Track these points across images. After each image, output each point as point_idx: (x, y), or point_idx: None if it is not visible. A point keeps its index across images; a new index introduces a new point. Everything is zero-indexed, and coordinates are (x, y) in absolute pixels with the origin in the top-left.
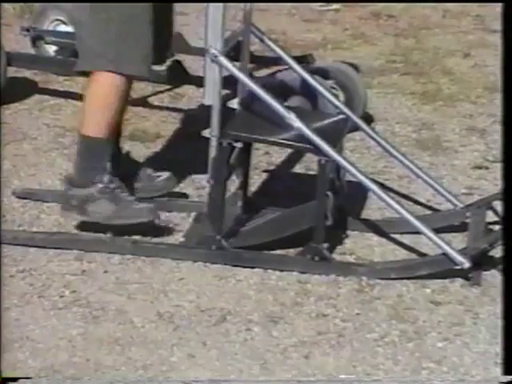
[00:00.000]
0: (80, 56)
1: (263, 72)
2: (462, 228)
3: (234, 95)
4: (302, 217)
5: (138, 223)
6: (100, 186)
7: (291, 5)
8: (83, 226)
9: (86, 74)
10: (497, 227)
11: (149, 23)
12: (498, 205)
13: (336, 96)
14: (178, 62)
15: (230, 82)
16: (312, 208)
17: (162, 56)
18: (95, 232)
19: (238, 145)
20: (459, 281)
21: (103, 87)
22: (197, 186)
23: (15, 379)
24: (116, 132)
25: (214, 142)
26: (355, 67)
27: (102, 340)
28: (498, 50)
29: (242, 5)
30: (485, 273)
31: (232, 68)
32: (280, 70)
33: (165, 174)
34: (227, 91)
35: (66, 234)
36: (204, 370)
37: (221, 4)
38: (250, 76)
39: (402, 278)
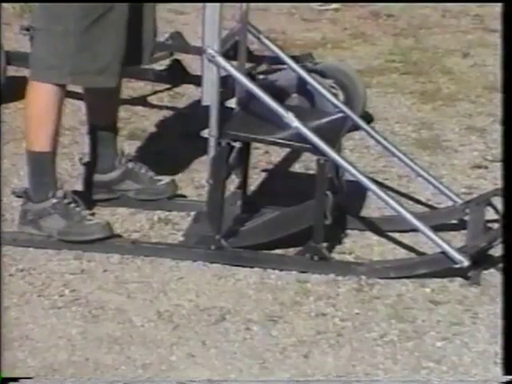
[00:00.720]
0: (32, 65)
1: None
2: (461, 226)
3: (233, 95)
4: (302, 216)
5: (90, 240)
6: (53, 201)
7: (291, 4)
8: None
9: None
10: (496, 225)
11: (113, 28)
12: (498, 201)
13: (335, 95)
14: (178, 62)
15: (228, 81)
16: (311, 207)
17: (141, 56)
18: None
19: (237, 144)
20: (458, 280)
21: (40, 101)
22: (196, 186)
23: (16, 379)
24: (114, 131)
25: (212, 142)
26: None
27: (101, 339)
28: (497, 49)
29: (239, 4)
30: (484, 272)
31: (229, 68)
32: (279, 70)
33: (166, 179)
34: (225, 91)
35: None
36: (203, 370)
37: (217, 4)
38: (250, 75)
39: (402, 277)
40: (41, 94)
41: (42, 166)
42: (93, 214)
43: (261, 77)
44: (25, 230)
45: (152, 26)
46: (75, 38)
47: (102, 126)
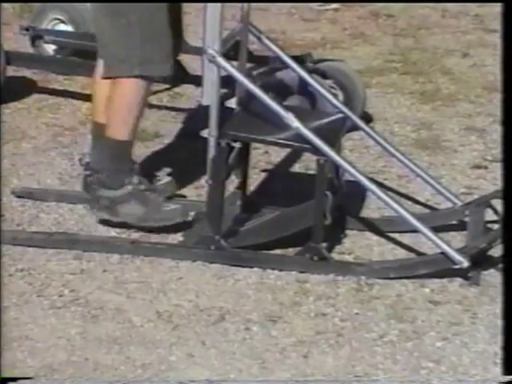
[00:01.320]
0: (105, 63)
1: (262, 71)
2: (460, 227)
3: (233, 95)
4: (301, 217)
5: (169, 225)
6: (130, 187)
7: (290, 4)
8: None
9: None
10: (496, 226)
11: (167, 22)
12: (497, 203)
13: (335, 95)
14: (178, 62)
15: (228, 81)
16: (311, 208)
17: (176, 53)
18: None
19: (237, 145)
20: (458, 280)
21: (129, 93)
22: (196, 186)
23: (15, 379)
24: None
25: (212, 142)
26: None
27: (100, 339)
28: (497, 49)
29: (240, 4)
30: (484, 272)
31: (230, 68)
32: (279, 70)
33: (165, 179)
34: (225, 91)
35: (65, 234)
36: (203, 370)
37: (218, 4)
38: (250, 75)
39: (401, 278)
40: (128, 88)
41: (122, 153)
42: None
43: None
44: (99, 216)
45: (181, 25)
46: (139, 29)
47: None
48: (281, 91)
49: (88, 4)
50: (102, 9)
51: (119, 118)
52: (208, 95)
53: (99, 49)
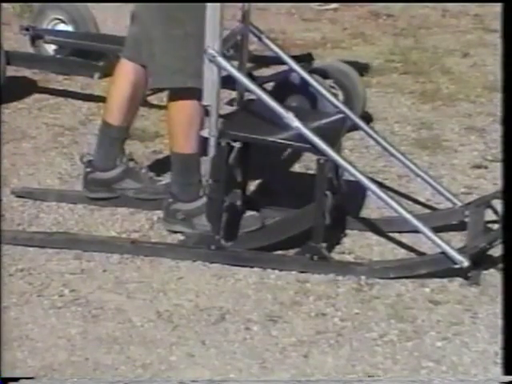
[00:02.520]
0: (155, 73)
1: (262, 71)
2: (460, 227)
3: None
4: (302, 220)
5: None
6: (205, 199)
7: (290, 4)
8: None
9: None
10: (496, 226)
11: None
12: (497, 203)
13: (335, 95)
14: None
15: (228, 81)
16: (310, 211)
17: None
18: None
19: (237, 145)
20: (458, 280)
21: (186, 107)
22: None
23: (15, 379)
24: (127, 133)
25: (212, 142)
26: (353, 65)
27: (101, 339)
28: (497, 49)
29: (240, 4)
30: (484, 272)
31: (230, 68)
32: (279, 70)
33: (166, 179)
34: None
35: (65, 233)
36: (203, 369)
37: (218, 4)
38: (250, 75)
39: (401, 278)
40: (184, 101)
41: (191, 166)
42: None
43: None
44: (175, 228)
45: None
46: (195, 41)
47: (119, 126)
48: (281, 91)
49: (89, 4)
50: (155, 16)
51: (182, 132)
52: (208, 95)
53: (147, 56)
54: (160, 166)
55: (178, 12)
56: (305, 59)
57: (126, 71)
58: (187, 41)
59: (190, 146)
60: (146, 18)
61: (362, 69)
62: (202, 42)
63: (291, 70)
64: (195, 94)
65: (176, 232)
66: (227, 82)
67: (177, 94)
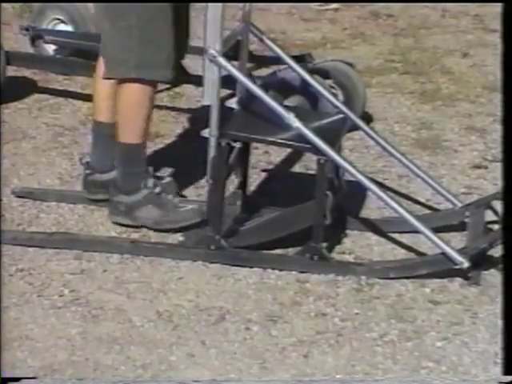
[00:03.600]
0: (105, 63)
1: (262, 71)
2: (460, 227)
3: (233, 95)
4: (301, 216)
5: (185, 226)
6: (145, 191)
7: (290, 4)
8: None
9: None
10: (496, 227)
11: (169, 25)
12: (497, 204)
13: (335, 95)
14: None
15: (228, 81)
16: (311, 208)
17: (181, 56)
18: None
19: (237, 145)
20: (458, 280)
21: (132, 97)
22: (196, 186)
23: (16, 379)
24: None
25: (212, 142)
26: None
27: (101, 339)
28: (497, 49)
29: (241, 4)
30: (484, 272)
31: (231, 68)
32: (279, 70)
33: (165, 179)
34: (226, 91)
35: (65, 234)
36: (203, 370)
37: (220, 4)
38: (249, 75)
39: (401, 278)
40: (132, 92)
41: (134, 156)
42: (183, 197)
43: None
44: (118, 220)
45: (189, 24)
46: (138, 32)
47: (109, 123)
48: (281, 91)
49: (89, 4)
50: (103, 9)
51: (127, 121)
52: (208, 95)
53: (101, 48)
54: (160, 166)
55: (121, 5)
56: (305, 59)
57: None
58: (131, 32)
59: (134, 136)
60: (98, 12)
61: (362, 69)
62: (148, 33)
63: (290, 69)
64: (142, 84)
65: (134, 227)
66: (226, 81)
67: (123, 84)
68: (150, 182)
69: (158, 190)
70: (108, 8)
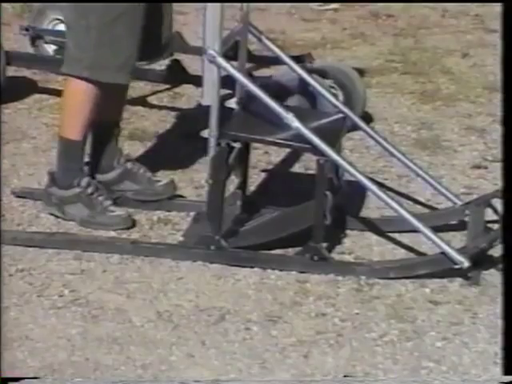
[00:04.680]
0: (64, 58)
1: (262, 71)
2: (460, 227)
3: (233, 95)
4: (301, 217)
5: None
6: (77, 190)
7: (290, 4)
8: None
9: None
10: (496, 226)
11: (132, 28)
12: (497, 202)
13: (335, 95)
14: (177, 62)
15: (228, 81)
16: (311, 208)
17: (154, 55)
18: None
19: (237, 145)
20: (458, 280)
21: (77, 94)
22: (196, 186)
23: (16, 379)
24: (117, 131)
25: (212, 142)
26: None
27: (101, 339)
28: (497, 49)
29: (239, 4)
30: (484, 272)
31: (230, 69)
32: (279, 70)
33: (165, 180)
34: (225, 91)
35: (65, 234)
36: (203, 370)
37: (218, 4)
38: (249, 75)
39: (401, 278)
40: (76, 90)
41: (71, 152)
42: (115, 204)
43: (261, 77)
44: (50, 211)
45: (170, 22)
46: (96, 33)
47: (106, 124)
48: (281, 91)
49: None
50: (68, 8)
51: (68, 117)
52: (208, 95)
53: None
54: (160, 166)
55: (84, 4)
56: (305, 59)
57: None
58: (89, 32)
59: (74, 133)
60: (66, 9)
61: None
62: (104, 36)
63: (290, 70)
64: (90, 84)
65: (106, 230)
66: (226, 82)
67: (72, 81)
68: (84, 181)
69: (90, 190)
70: (73, 6)
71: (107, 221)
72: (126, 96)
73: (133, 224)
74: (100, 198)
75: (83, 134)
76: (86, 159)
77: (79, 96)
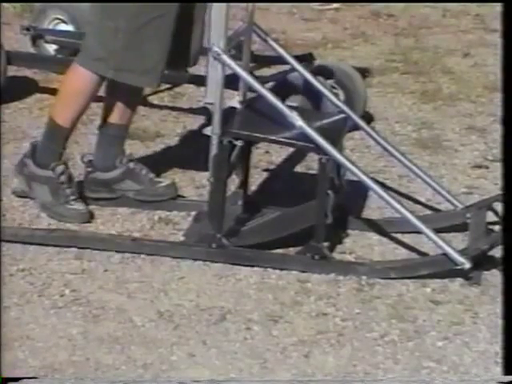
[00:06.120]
0: (82, 50)
1: (264, 71)
2: (462, 228)
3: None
4: (303, 216)
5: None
6: (49, 173)
7: (291, 4)
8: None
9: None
10: (497, 227)
11: (161, 34)
12: (499, 206)
13: (336, 95)
14: None
15: (231, 80)
16: (312, 207)
17: (182, 64)
18: None
19: (239, 143)
20: (459, 280)
21: (79, 85)
22: (197, 185)
23: (16, 379)
24: (125, 132)
25: (214, 140)
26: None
27: (101, 339)
28: (497, 49)
29: (244, 4)
30: (485, 272)
31: (235, 66)
32: (281, 70)
33: (166, 181)
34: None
35: (65, 231)
36: (204, 369)
37: (224, 4)
38: (252, 75)
39: (402, 278)
40: (81, 77)
41: (55, 135)
42: (81, 198)
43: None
44: (17, 178)
45: (200, 30)
46: (125, 36)
47: (117, 124)
48: (283, 90)
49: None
50: (98, 7)
51: (63, 103)
52: (212, 93)
53: (84, 39)
54: (161, 166)
55: (115, 5)
56: (306, 59)
57: None
58: (117, 35)
59: (63, 119)
60: (92, 8)
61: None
62: (133, 39)
63: (292, 69)
64: (92, 77)
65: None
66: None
67: (79, 70)
68: (60, 168)
69: (62, 179)
70: (100, 7)
71: (64, 212)
72: (139, 99)
73: (90, 219)
74: (67, 191)
75: (72, 123)
76: (90, 157)
77: (81, 87)
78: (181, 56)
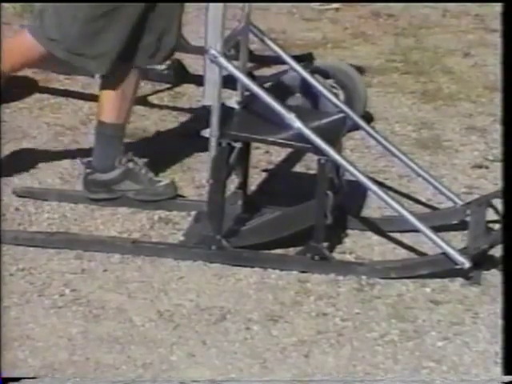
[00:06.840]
0: (38, 23)
1: (263, 71)
2: (461, 226)
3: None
4: (302, 216)
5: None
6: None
7: (291, 4)
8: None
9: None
10: (497, 226)
11: (120, 24)
12: (498, 202)
13: (336, 95)
14: (178, 61)
15: (229, 81)
16: (311, 207)
17: (154, 58)
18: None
19: (238, 145)
20: (459, 280)
21: (26, 49)
22: (196, 186)
23: (16, 379)
24: (122, 132)
25: (213, 142)
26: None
27: (101, 339)
28: (497, 49)
29: (241, 4)
30: (485, 272)
31: (232, 68)
32: (280, 70)
33: (166, 180)
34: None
35: (65, 234)
36: (204, 369)
37: (221, 4)
38: (250, 75)
39: (402, 278)
40: (26, 43)
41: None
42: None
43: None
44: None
45: (176, 28)
46: (80, 25)
47: (113, 124)
48: (282, 91)
49: None
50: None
51: (6, 63)
52: (209, 95)
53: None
54: (160, 166)
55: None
56: (305, 59)
57: None
58: (73, 23)
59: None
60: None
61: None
62: (89, 28)
63: (291, 69)
64: (39, 44)
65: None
66: (227, 81)
67: (29, 37)
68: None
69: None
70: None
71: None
72: (133, 99)
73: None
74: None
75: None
76: (89, 158)
77: (25, 51)
78: (152, 51)
